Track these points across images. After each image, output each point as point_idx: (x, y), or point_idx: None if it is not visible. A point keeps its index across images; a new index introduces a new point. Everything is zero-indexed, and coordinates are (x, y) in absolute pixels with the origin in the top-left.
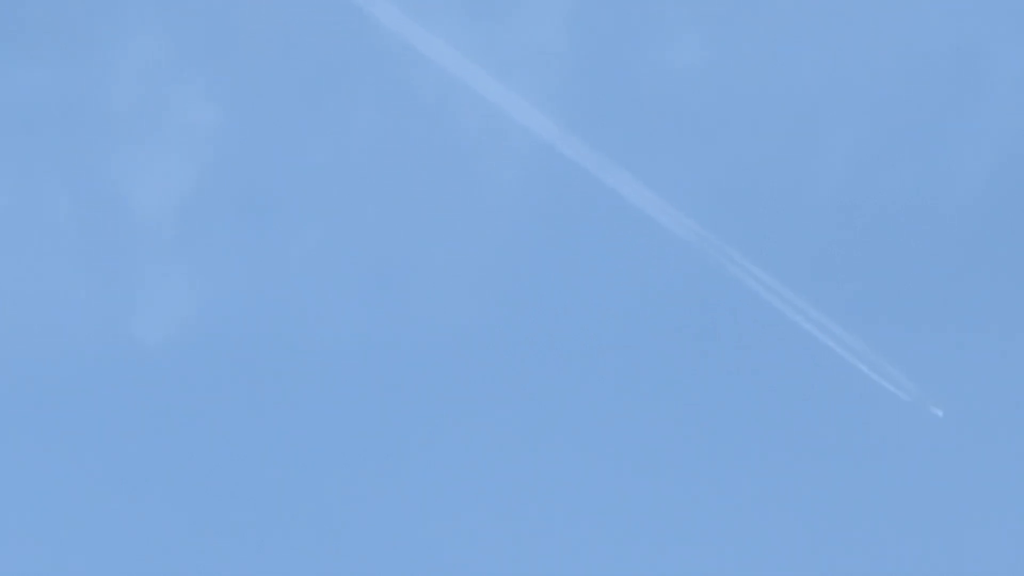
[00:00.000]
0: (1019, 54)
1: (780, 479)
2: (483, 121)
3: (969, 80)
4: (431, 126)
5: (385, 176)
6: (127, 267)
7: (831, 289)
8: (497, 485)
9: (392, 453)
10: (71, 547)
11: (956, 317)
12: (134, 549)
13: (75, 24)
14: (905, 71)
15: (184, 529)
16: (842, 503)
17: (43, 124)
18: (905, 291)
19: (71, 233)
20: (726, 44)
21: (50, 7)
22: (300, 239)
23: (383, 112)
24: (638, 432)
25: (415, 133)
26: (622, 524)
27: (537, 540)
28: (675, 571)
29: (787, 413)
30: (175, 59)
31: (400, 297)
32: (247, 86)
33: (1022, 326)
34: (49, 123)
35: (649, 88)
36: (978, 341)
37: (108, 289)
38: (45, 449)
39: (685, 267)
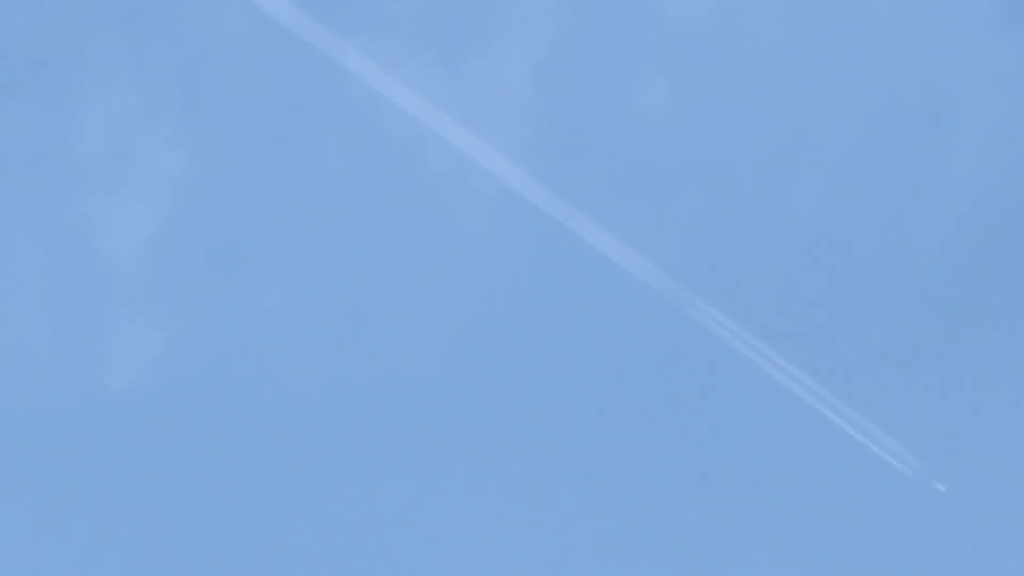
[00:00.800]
0: (987, 97)
1: (763, 549)
2: (452, 168)
3: (938, 124)
4: (400, 174)
5: (353, 224)
6: (95, 314)
7: (808, 339)
8: (460, 533)
9: (361, 499)
10: None
11: (934, 365)
12: None
13: (42, 72)
14: (873, 116)
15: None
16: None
17: (10, 171)
18: (885, 339)
19: (38, 280)
20: (694, 90)
21: (17, 54)
22: (269, 286)
23: (351, 160)
24: (606, 486)
25: (384, 180)
26: None
27: None
28: None
29: (772, 476)
30: (143, 106)
31: (369, 343)
32: (215, 133)
33: (999, 370)
34: (16, 170)
35: (618, 134)
36: (960, 388)
37: (76, 336)
38: (13, 497)
39: (656, 316)
